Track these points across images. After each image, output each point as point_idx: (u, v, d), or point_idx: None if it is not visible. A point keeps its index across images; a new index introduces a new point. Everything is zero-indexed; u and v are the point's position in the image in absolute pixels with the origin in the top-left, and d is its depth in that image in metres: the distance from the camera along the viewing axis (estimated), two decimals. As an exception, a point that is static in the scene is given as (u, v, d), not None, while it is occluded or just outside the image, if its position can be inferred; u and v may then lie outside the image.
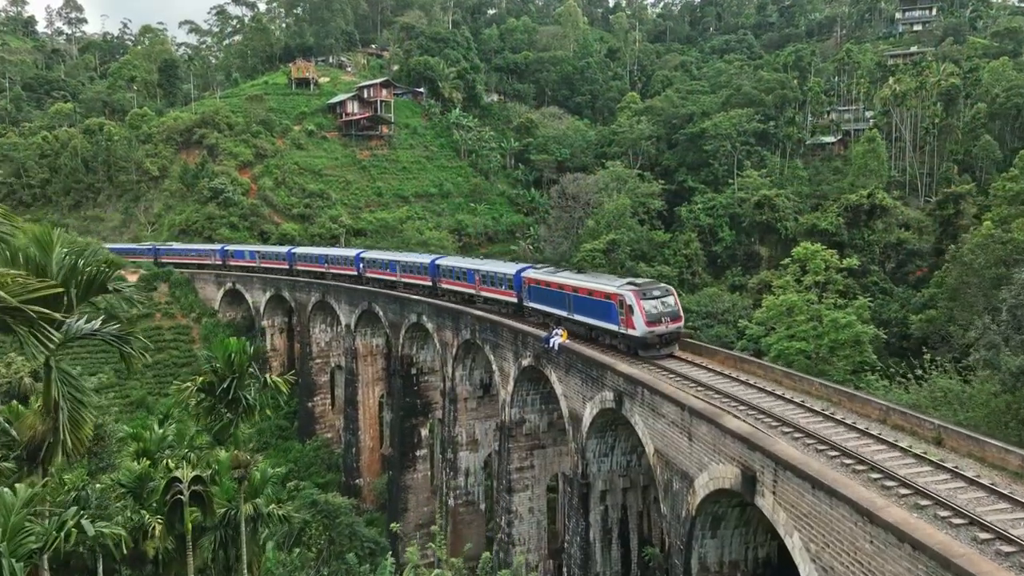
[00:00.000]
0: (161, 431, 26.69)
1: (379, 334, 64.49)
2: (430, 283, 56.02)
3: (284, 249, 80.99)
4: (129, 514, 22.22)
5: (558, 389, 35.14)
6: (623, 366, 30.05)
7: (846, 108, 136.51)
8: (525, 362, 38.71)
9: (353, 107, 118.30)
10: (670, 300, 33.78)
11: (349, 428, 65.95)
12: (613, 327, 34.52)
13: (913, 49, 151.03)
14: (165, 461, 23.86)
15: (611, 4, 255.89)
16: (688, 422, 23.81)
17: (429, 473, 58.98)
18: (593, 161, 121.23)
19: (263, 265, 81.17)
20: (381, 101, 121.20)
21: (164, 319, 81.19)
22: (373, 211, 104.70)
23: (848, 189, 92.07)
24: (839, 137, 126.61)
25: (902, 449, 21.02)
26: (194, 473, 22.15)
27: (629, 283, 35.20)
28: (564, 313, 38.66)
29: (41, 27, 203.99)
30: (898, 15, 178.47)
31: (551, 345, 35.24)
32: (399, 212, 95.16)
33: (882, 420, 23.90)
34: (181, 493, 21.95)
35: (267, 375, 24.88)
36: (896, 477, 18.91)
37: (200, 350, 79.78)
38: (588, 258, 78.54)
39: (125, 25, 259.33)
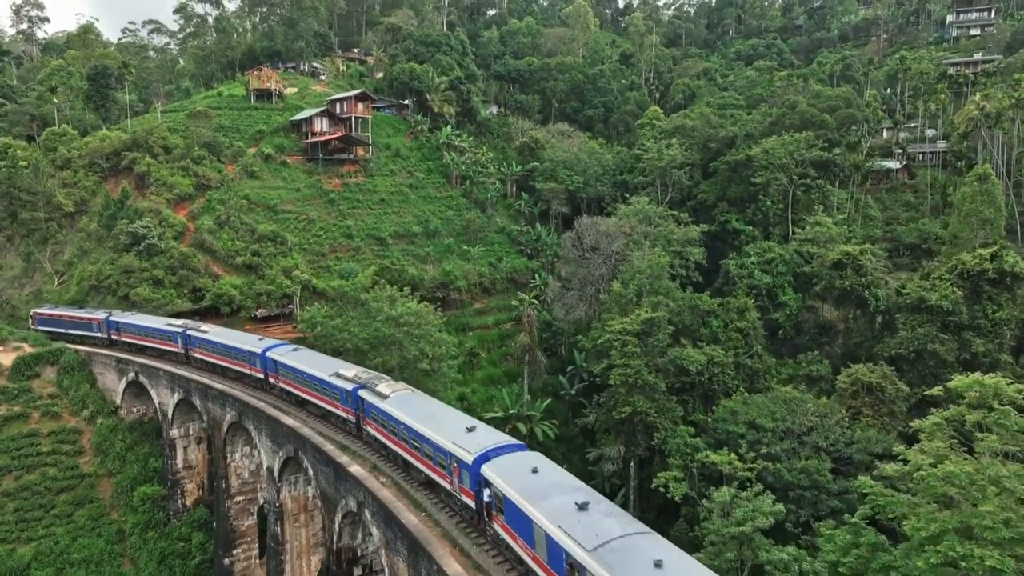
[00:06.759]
0: None
1: (315, 483, 43.65)
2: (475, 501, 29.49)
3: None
4: None
5: None
6: None
7: (907, 125, 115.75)
8: None
9: (321, 125, 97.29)
10: None
11: (272, 620, 45.14)
12: None
13: (977, 56, 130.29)
14: None
15: (621, 5, 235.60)
16: None
17: None
18: (612, 191, 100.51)
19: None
20: (356, 118, 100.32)
21: (44, 420, 60.20)
22: (340, 257, 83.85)
23: (950, 242, 71.28)
24: (903, 163, 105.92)
25: None
26: None
27: None
28: None
29: (6, 26, 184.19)
30: (950, 18, 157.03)
31: None
32: (365, 274, 73.88)
33: None
34: None
35: None
36: None
37: (90, 466, 59.04)
38: (618, 344, 57.67)
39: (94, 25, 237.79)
